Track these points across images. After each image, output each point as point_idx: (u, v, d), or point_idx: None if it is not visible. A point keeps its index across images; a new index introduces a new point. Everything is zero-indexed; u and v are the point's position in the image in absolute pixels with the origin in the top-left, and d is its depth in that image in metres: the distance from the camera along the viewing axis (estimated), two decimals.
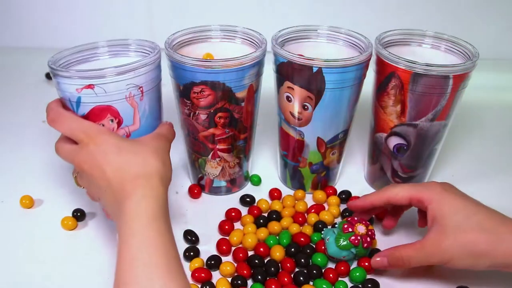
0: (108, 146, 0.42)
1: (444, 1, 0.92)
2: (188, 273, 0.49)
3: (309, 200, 0.60)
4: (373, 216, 0.57)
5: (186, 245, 0.52)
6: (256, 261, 0.50)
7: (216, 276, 0.49)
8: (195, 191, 0.60)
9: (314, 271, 0.48)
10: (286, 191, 0.62)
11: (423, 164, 0.58)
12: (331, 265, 0.51)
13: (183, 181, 0.63)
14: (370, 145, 0.61)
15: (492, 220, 0.44)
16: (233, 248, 0.52)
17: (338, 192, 0.61)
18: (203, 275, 0.48)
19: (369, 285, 0.47)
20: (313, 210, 0.57)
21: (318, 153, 0.58)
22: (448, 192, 0.47)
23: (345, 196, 0.60)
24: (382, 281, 0.48)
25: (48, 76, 0.90)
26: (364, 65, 0.52)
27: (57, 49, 0.50)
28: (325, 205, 0.60)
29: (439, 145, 0.57)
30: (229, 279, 0.48)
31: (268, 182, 0.63)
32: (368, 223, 0.51)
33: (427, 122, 0.54)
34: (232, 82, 0.50)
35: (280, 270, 0.49)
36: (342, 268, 0.49)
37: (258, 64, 0.52)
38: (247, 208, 0.58)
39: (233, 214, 0.56)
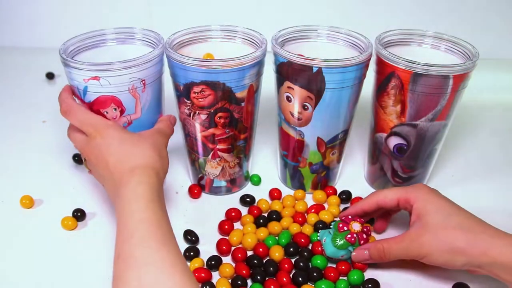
0: (112, 140, 0.47)
1: (444, 1, 0.92)
2: None
3: (309, 200, 0.60)
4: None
5: (186, 245, 0.52)
6: (255, 261, 0.50)
7: (216, 276, 0.49)
8: (195, 191, 0.60)
9: (315, 274, 0.48)
10: (286, 191, 0.62)
11: (423, 164, 0.58)
12: (332, 265, 0.50)
13: (183, 181, 0.63)
14: (370, 145, 0.61)
15: (471, 221, 0.46)
16: (233, 248, 0.52)
17: (338, 192, 0.61)
18: (203, 275, 0.48)
19: (369, 285, 0.47)
20: (313, 210, 0.57)
21: (318, 153, 0.58)
22: (433, 193, 0.49)
23: (345, 196, 0.60)
24: (382, 281, 0.48)
25: (48, 76, 0.90)
26: (364, 65, 0.52)
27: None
28: (325, 205, 0.60)
29: (439, 145, 0.57)
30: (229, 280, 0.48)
31: (268, 182, 0.63)
32: (363, 220, 0.52)
33: (427, 122, 0.54)
34: (232, 82, 0.50)
35: (279, 270, 0.49)
36: (343, 267, 0.49)
37: (258, 64, 0.52)
38: (247, 208, 0.58)
39: (233, 214, 0.56)
